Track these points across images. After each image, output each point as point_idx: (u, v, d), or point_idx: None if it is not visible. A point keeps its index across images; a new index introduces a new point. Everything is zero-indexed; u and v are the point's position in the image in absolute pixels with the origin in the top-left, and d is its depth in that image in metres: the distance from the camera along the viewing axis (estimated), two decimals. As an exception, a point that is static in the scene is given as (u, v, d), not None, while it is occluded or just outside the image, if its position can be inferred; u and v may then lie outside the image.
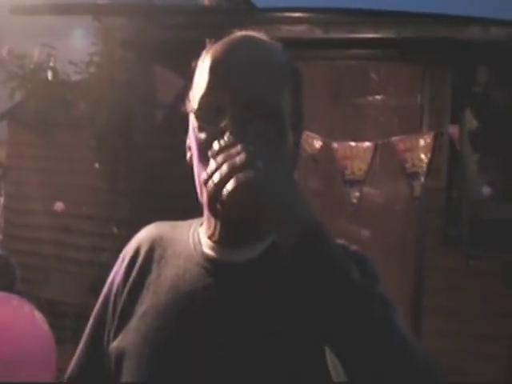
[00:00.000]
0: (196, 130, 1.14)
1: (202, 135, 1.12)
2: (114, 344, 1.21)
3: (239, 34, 1.19)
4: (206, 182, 0.98)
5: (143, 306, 1.20)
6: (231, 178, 0.94)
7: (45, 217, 6.68)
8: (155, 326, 1.16)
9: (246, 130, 1.06)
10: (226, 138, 1.03)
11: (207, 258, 1.19)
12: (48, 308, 6.15)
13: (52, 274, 6.53)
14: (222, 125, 1.07)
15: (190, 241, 1.24)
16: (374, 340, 0.92)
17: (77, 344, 1.37)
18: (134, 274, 1.25)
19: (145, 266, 1.25)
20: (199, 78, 1.16)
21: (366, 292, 0.94)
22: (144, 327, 1.17)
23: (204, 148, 1.10)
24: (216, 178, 0.95)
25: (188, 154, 1.22)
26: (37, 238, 6.83)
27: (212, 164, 0.97)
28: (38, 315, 2.46)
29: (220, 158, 0.96)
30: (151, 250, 1.27)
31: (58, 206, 6.41)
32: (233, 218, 1.07)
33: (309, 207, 0.97)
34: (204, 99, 1.13)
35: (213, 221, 1.19)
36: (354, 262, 1.00)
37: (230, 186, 0.93)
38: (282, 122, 1.12)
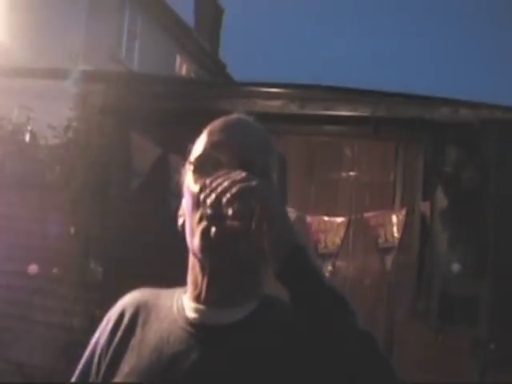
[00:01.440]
0: (191, 183, 1.21)
1: (197, 186, 1.17)
2: None
3: (238, 115, 1.30)
4: (205, 199, 1.07)
5: (126, 367, 1.22)
6: (233, 187, 1.03)
7: (16, 278, 6.62)
8: None
9: None
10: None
11: (190, 321, 1.22)
12: (17, 370, 6.08)
13: (21, 336, 6.44)
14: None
15: (174, 307, 1.27)
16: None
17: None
18: (118, 336, 1.28)
19: (129, 328, 1.28)
20: (197, 145, 1.25)
21: (350, 307, 1.08)
22: None
23: (198, 198, 1.15)
24: (218, 189, 1.05)
25: (180, 221, 1.27)
26: (7, 298, 6.75)
27: (212, 183, 1.07)
28: None
29: (220, 178, 1.06)
30: (135, 314, 1.30)
31: (32, 268, 6.35)
32: (224, 249, 1.14)
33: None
34: (202, 155, 1.21)
35: (200, 277, 1.23)
36: None
37: (232, 191, 1.03)
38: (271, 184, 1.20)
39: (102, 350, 1.30)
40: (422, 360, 5.11)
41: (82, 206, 6.11)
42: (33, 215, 6.68)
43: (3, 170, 6.61)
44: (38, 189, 6.43)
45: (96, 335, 1.34)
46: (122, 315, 1.32)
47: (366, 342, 1.05)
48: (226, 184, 1.04)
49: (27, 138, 6.67)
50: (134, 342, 1.26)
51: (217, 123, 1.26)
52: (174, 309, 1.27)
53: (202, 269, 1.22)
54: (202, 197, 1.08)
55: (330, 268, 5.20)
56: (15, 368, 6.05)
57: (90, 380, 1.30)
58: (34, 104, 6.74)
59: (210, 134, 1.23)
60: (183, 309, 1.26)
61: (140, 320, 1.29)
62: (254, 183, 1.05)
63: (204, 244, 1.16)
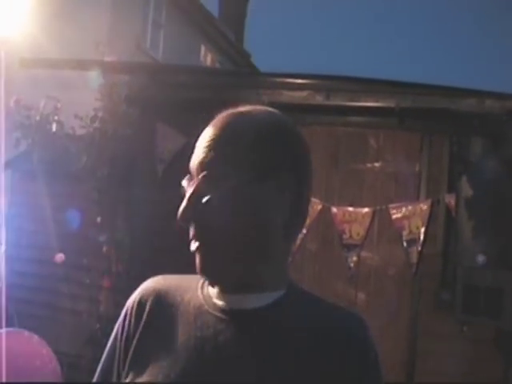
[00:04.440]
0: None
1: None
2: None
3: (232, 110, 1.29)
4: None
5: (154, 350, 1.25)
6: None
7: (44, 266, 6.70)
8: (167, 367, 1.21)
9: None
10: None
11: (216, 306, 1.25)
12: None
13: (49, 323, 6.53)
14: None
15: (199, 291, 1.30)
16: None
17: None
18: (144, 320, 1.30)
19: (155, 312, 1.30)
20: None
21: None
22: (156, 369, 1.22)
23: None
24: None
25: None
26: (35, 286, 6.84)
27: None
28: (46, 348, 2.66)
29: None
30: (160, 299, 1.32)
31: (59, 257, 6.42)
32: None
33: None
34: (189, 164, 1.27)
35: None
36: (358, 352, 1.19)
37: None
38: (230, 181, 1.19)
39: (127, 336, 1.32)
40: (446, 351, 5.12)
41: (108, 195, 6.17)
42: (59, 204, 6.76)
43: (30, 159, 6.69)
44: (65, 178, 6.51)
45: (120, 320, 1.36)
46: (146, 300, 1.34)
47: None
48: None
49: (54, 127, 6.74)
50: (161, 325, 1.28)
51: (210, 125, 1.26)
52: (199, 293, 1.30)
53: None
54: None
55: (355, 259, 5.24)
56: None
57: (116, 365, 1.32)
58: (60, 94, 6.81)
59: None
60: (208, 293, 1.29)
61: (165, 304, 1.31)
62: None
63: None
